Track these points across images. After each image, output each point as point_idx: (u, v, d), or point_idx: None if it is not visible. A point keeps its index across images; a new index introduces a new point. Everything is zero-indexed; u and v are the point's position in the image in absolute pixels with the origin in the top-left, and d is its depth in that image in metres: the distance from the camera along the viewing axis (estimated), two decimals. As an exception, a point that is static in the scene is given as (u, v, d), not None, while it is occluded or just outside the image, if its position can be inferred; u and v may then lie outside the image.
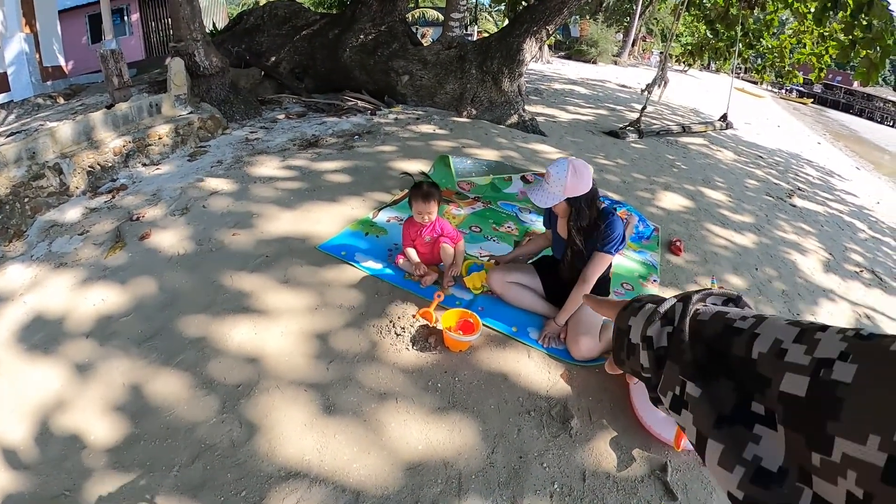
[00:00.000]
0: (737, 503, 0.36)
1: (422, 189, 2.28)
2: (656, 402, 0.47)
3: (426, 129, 4.91)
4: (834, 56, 8.41)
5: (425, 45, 6.53)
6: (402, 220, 2.78)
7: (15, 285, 2.33)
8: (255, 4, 15.81)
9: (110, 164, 3.44)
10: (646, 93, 6.67)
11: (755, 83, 25.70)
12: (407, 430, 1.67)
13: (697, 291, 0.48)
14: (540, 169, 3.83)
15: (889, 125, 25.62)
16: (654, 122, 7.49)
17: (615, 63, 20.47)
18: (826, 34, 8.66)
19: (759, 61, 12.36)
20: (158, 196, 3.14)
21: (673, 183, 4.62)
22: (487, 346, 2.05)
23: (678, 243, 3.19)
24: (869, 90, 27.71)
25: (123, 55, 4.77)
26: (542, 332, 2.11)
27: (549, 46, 18.72)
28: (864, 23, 5.86)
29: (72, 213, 2.97)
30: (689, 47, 13.13)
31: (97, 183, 3.33)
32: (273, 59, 6.31)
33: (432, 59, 5.92)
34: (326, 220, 2.90)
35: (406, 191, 2.80)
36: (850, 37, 6.24)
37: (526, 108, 6.13)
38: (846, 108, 28.88)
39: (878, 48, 5.80)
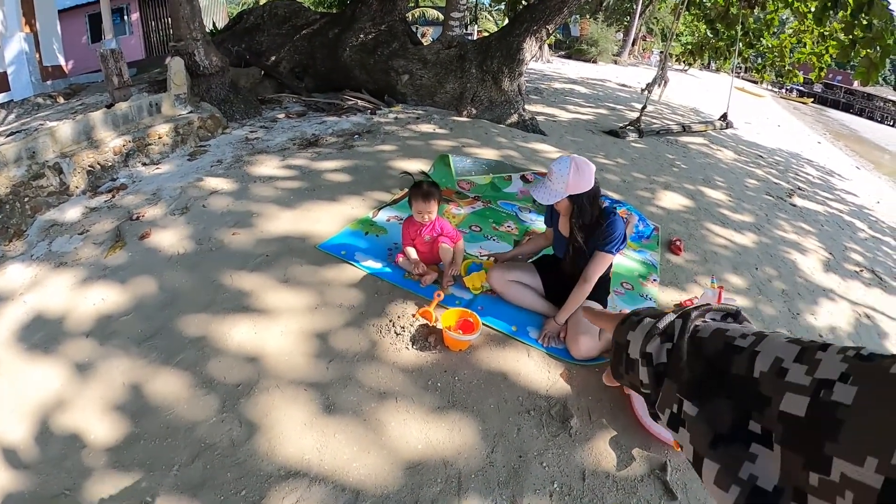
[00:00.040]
0: None
1: (422, 188, 2.28)
2: (655, 417, 0.47)
3: (426, 128, 4.91)
4: (834, 55, 8.40)
5: (425, 44, 6.53)
6: (401, 219, 2.78)
7: (15, 285, 2.34)
8: (255, 4, 15.79)
9: (110, 164, 3.44)
10: (646, 92, 6.67)
11: (755, 82, 25.69)
12: (406, 430, 1.67)
13: (696, 308, 0.48)
14: (540, 168, 3.83)
15: (889, 125, 25.63)
16: (654, 121, 7.49)
17: (615, 62, 20.46)
18: (826, 34, 8.65)
19: (760, 61, 12.32)
20: (158, 195, 3.14)
21: (673, 182, 4.62)
22: (487, 346, 2.05)
23: (678, 243, 3.19)
24: (869, 90, 27.71)
25: (123, 55, 4.77)
26: (542, 332, 2.11)
27: (550, 46, 18.72)
28: (865, 22, 5.86)
29: (72, 213, 2.97)
30: (690, 47, 13.09)
31: (97, 182, 3.33)
32: (273, 58, 6.31)
33: (432, 58, 5.92)
34: (326, 220, 2.90)
35: (406, 190, 2.80)
36: (851, 36, 6.23)
37: (526, 107, 6.13)
38: (846, 108, 28.89)
39: (878, 48, 5.79)
